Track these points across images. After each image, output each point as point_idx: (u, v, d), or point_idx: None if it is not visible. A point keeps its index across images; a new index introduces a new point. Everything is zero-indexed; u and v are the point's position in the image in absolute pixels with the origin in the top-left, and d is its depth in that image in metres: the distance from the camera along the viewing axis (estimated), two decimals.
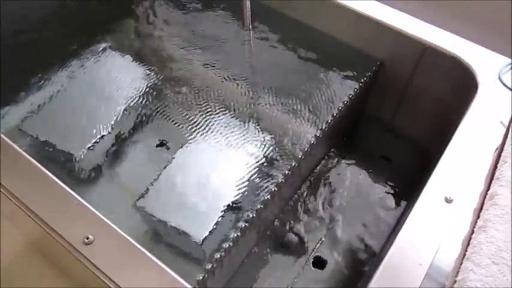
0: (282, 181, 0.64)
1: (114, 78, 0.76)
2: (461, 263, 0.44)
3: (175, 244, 0.59)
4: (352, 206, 0.86)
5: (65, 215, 0.52)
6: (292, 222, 0.82)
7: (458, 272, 0.44)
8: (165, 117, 0.73)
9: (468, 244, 0.45)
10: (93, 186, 0.66)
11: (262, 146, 0.68)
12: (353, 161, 0.92)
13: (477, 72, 0.67)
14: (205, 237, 0.57)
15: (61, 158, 0.66)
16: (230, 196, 0.61)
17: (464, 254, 0.45)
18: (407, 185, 0.87)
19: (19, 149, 0.58)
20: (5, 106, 0.74)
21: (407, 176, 0.87)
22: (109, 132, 0.69)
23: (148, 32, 0.88)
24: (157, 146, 0.71)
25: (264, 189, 0.63)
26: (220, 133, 0.69)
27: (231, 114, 0.72)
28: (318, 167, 0.89)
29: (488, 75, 0.66)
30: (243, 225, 0.60)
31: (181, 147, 0.67)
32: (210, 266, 0.56)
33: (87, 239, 0.50)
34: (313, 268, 0.78)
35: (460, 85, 0.70)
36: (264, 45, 0.83)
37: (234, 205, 0.60)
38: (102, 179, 0.67)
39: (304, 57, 0.81)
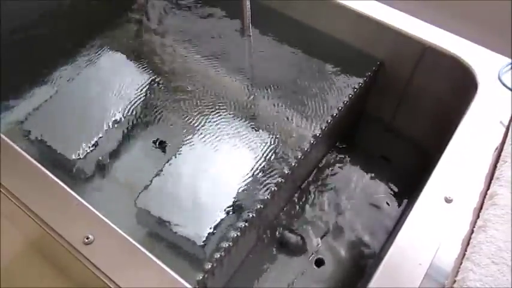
0: (282, 181, 0.64)
1: (114, 78, 0.76)
2: (461, 263, 0.44)
3: (175, 244, 0.59)
4: (352, 205, 0.86)
5: (65, 215, 0.52)
6: (292, 222, 0.82)
7: (458, 271, 0.44)
8: (164, 117, 0.74)
9: (468, 244, 0.45)
10: (93, 186, 0.66)
11: (262, 146, 0.68)
12: (353, 161, 0.92)
13: (477, 72, 0.67)
14: (206, 237, 0.57)
15: (61, 158, 0.66)
16: (230, 196, 0.61)
17: (464, 254, 0.45)
18: (407, 185, 0.87)
19: (19, 149, 0.58)
20: (5, 106, 0.74)
21: (407, 176, 0.87)
22: (109, 132, 0.69)
23: (148, 31, 0.88)
24: (157, 145, 0.71)
25: (264, 189, 0.63)
26: (220, 133, 0.69)
27: (231, 114, 0.72)
28: (318, 167, 0.89)
29: (488, 75, 0.66)
30: (243, 225, 0.60)
31: (181, 147, 0.67)
32: (210, 266, 0.56)
33: (87, 238, 0.50)
34: (313, 268, 0.78)
35: (460, 85, 0.70)
36: (263, 45, 0.83)
37: (234, 205, 0.60)
38: (102, 179, 0.67)
39: (304, 57, 0.81)
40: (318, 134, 0.70)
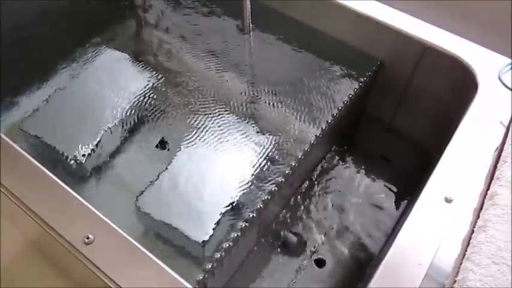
0: (282, 181, 0.64)
1: (114, 78, 0.76)
2: (461, 263, 0.44)
3: (176, 244, 0.59)
4: (352, 205, 0.86)
5: (65, 215, 0.52)
6: (292, 222, 0.82)
7: (458, 271, 0.44)
8: (165, 117, 0.74)
9: (468, 244, 0.45)
10: (93, 186, 0.66)
11: (262, 146, 0.68)
12: (353, 161, 0.92)
13: (477, 72, 0.67)
14: (206, 237, 0.57)
15: (61, 158, 0.66)
16: (230, 196, 0.61)
17: (464, 254, 0.45)
18: (407, 185, 0.87)
19: (19, 149, 0.58)
20: (5, 106, 0.74)
21: (407, 176, 0.87)
22: (109, 132, 0.69)
23: (148, 31, 0.88)
24: (157, 145, 0.71)
25: (264, 189, 0.63)
26: (221, 133, 0.69)
27: (231, 114, 0.72)
28: (318, 167, 0.89)
29: (488, 75, 0.66)
30: (243, 225, 0.60)
31: (181, 146, 0.67)
32: (210, 266, 0.56)
33: (87, 238, 0.50)
34: (313, 268, 0.78)
35: (460, 85, 0.70)
36: (263, 45, 0.83)
37: (234, 205, 0.60)
38: (102, 179, 0.67)
39: (304, 57, 0.81)
40: (318, 134, 0.70)
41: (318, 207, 0.85)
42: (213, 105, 0.74)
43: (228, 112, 0.73)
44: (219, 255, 0.57)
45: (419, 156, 0.85)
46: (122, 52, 0.81)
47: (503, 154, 0.52)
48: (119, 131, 0.71)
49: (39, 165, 0.56)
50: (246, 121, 0.71)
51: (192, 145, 0.67)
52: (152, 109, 0.74)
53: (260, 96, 0.75)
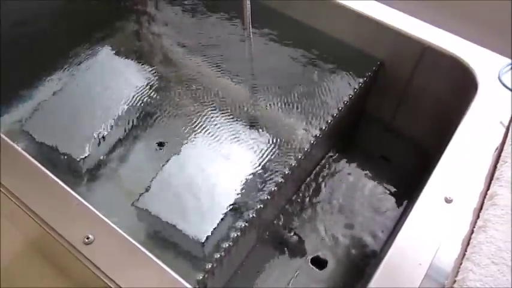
0: (282, 181, 0.64)
1: (114, 78, 0.76)
2: (461, 263, 0.44)
3: (176, 244, 0.59)
4: (352, 205, 0.86)
5: (65, 215, 0.52)
6: (292, 222, 0.82)
7: (458, 272, 0.44)
8: (165, 117, 0.74)
9: (468, 244, 0.46)
10: (93, 186, 0.66)
11: (262, 146, 0.68)
12: (353, 161, 0.92)
13: (477, 72, 0.67)
14: (206, 237, 0.57)
15: (61, 158, 0.66)
16: (230, 196, 0.61)
17: (464, 254, 0.45)
18: (407, 185, 0.87)
19: (19, 149, 0.58)
20: (5, 106, 0.74)
21: (407, 176, 0.87)
22: (109, 132, 0.69)
23: (148, 32, 0.88)
24: (157, 145, 0.71)
25: (264, 189, 0.63)
26: (220, 133, 0.69)
27: (230, 114, 0.72)
28: (318, 167, 0.89)
29: (488, 75, 0.66)
30: (243, 225, 0.60)
31: (181, 147, 0.67)
32: (210, 266, 0.56)
33: (87, 238, 0.50)
34: (313, 268, 0.78)
35: (460, 85, 0.70)
36: (264, 45, 0.83)
37: (234, 205, 0.60)
38: (102, 179, 0.67)
39: (304, 57, 0.81)
40: (318, 134, 0.70)
41: (318, 207, 0.85)
42: (212, 105, 0.74)
43: (227, 112, 0.73)
44: (219, 255, 0.57)
45: (419, 156, 0.85)
46: (121, 52, 0.81)
47: (503, 154, 0.52)
48: (119, 131, 0.71)
49: (39, 165, 0.56)
50: (246, 121, 0.71)
51: (192, 145, 0.67)
52: (152, 109, 0.74)
53: (260, 96, 0.75)
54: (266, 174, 0.65)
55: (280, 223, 0.81)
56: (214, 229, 0.58)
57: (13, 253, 0.80)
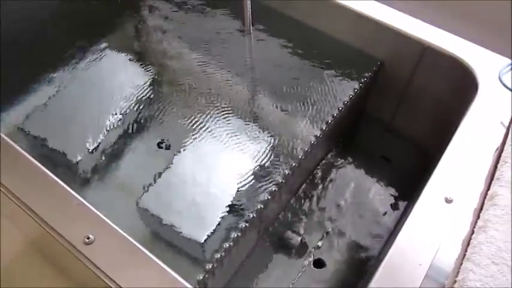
0: (282, 181, 0.64)
1: (114, 78, 0.76)
2: (461, 263, 0.44)
3: (176, 244, 0.59)
4: (352, 206, 0.86)
5: (65, 215, 0.52)
6: (292, 222, 0.82)
7: (458, 272, 0.44)
8: (165, 117, 0.74)
9: (468, 244, 0.46)
10: (94, 186, 0.66)
11: (263, 146, 0.68)
12: (353, 161, 0.92)
13: (477, 72, 0.67)
14: (206, 237, 0.57)
15: (61, 158, 0.66)
16: (231, 196, 0.61)
17: (464, 254, 0.45)
18: (407, 185, 0.87)
19: (19, 149, 0.58)
20: (5, 106, 0.74)
21: (407, 176, 0.87)
22: (109, 132, 0.69)
23: (148, 31, 0.88)
24: (157, 145, 0.71)
25: (264, 189, 0.63)
26: (221, 133, 0.69)
27: (231, 114, 0.72)
28: (318, 167, 0.89)
29: (488, 75, 0.66)
30: (244, 225, 0.60)
31: (182, 147, 0.67)
32: (210, 266, 0.56)
33: (88, 238, 0.50)
34: (313, 268, 0.78)
35: (460, 85, 0.70)
36: (264, 45, 0.83)
37: (234, 205, 0.60)
38: (102, 179, 0.67)
39: (304, 57, 0.81)
40: (318, 135, 0.70)
41: (318, 207, 0.85)
42: (213, 105, 0.74)
43: (228, 112, 0.73)
44: (219, 256, 0.57)
45: (419, 156, 0.85)
46: (122, 52, 0.81)
47: (503, 154, 0.52)
48: (119, 131, 0.71)
49: (39, 165, 0.56)
50: (246, 121, 0.71)
51: (192, 145, 0.67)
52: (152, 109, 0.74)
53: (260, 96, 0.75)
54: (266, 175, 0.65)
55: (281, 223, 0.81)
56: (214, 229, 0.58)
57: (13, 253, 0.80)
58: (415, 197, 0.59)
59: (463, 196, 0.53)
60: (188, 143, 0.68)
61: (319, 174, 0.89)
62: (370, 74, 0.77)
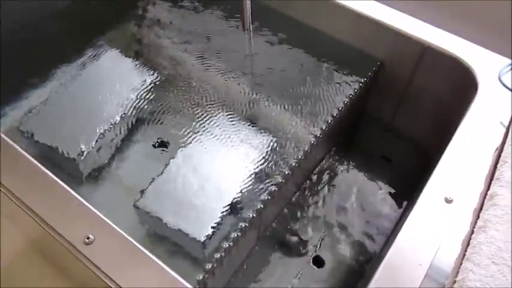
0: (282, 181, 0.64)
1: (114, 78, 0.76)
2: (461, 263, 0.44)
3: (176, 244, 0.59)
4: (352, 206, 0.86)
5: (65, 215, 0.52)
6: (292, 222, 0.82)
7: (458, 272, 0.44)
8: (164, 117, 0.74)
9: (468, 244, 0.46)
10: (94, 186, 0.66)
11: (262, 146, 0.68)
12: (353, 161, 0.92)
13: (477, 72, 0.67)
14: (206, 237, 0.57)
15: (61, 158, 0.66)
16: (230, 196, 0.61)
17: (464, 254, 0.45)
18: (407, 185, 0.87)
19: (19, 149, 0.58)
20: (5, 106, 0.74)
21: (407, 176, 0.88)
22: (109, 132, 0.69)
23: (148, 32, 0.88)
24: (157, 145, 0.71)
25: (264, 189, 0.63)
26: (221, 133, 0.69)
27: (231, 114, 0.72)
28: (318, 167, 0.89)
29: (488, 75, 0.66)
30: (244, 225, 0.60)
31: (181, 146, 0.67)
32: (210, 266, 0.56)
33: (88, 238, 0.50)
34: (313, 268, 0.78)
35: (460, 85, 0.70)
36: (264, 45, 0.83)
37: (234, 205, 0.60)
38: (102, 179, 0.67)
39: (304, 57, 0.81)
40: (318, 135, 0.70)
41: (318, 207, 0.85)
42: (212, 105, 0.74)
43: (227, 112, 0.73)
44: (219, 255, 0.57)
45: (419, 156, 0.85)
46: (121, 52, 0.81)
47: (503, 154, 0.52)
48: (119, 131, 0.71)
49: (39, 165, 0.56)
50: (246, 121, 0.71)
51: (192, 145, 0.67)
52: (152, 109, 0.74)
53: (260, 96, 0.75)
54: (266, 174, 0.65)
55: (281, 223, 0.81)
56: (214, 229, 0.58)
57: (13, 253, 0.80)
58: (415, 197, 0.59)
59: (463, 196, 0.53)
60: (187, 142, 0.68)
61: (319, 174, 0.89)
62: (370, 74, 0.77)
